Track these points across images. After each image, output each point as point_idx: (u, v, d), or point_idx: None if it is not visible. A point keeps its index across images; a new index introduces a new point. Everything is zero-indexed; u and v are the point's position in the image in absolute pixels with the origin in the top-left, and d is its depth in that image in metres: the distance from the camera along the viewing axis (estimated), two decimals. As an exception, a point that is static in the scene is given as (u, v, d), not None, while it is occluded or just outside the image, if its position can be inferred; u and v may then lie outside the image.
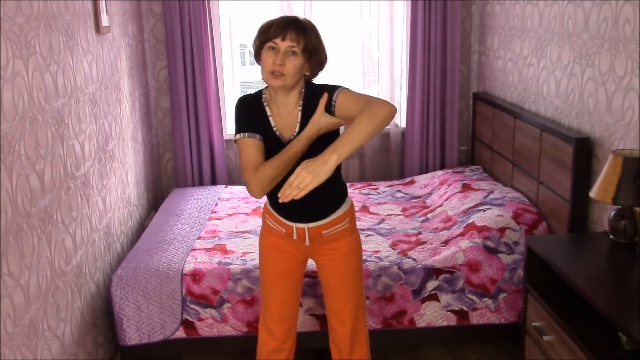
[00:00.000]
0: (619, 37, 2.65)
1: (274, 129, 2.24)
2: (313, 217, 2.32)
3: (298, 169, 1.87)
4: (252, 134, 2.21)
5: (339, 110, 2.16)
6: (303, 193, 1.87)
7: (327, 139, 2.15)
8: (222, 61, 4.45)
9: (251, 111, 2.26)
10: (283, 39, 2.13)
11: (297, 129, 2.23)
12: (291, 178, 1.87)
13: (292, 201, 2.10)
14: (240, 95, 2.35)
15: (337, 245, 2.39)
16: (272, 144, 2.24)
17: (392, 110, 1.99)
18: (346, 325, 2.47)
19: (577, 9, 3.02)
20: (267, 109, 2.25)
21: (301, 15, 2.26)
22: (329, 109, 2.17)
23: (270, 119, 2.24)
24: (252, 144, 2.21)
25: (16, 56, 2.14)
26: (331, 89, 2.20)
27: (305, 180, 1.85)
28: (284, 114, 2.25)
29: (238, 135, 2.22)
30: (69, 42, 2.72)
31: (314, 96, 2.21)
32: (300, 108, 2.23)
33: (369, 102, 2.04)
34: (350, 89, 2.22)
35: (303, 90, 2.24)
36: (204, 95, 4.35)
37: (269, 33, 2.16)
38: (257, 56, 2.24)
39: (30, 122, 2.24)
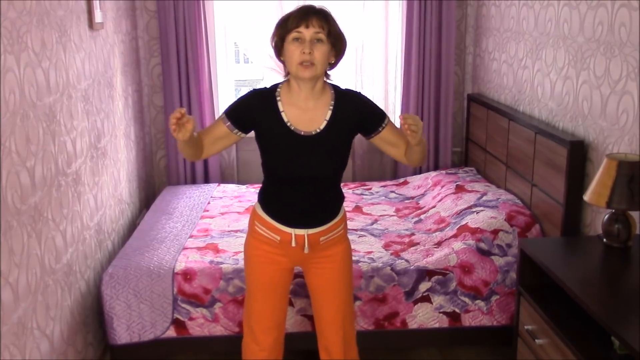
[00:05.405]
0: (615, 41, 2.65)
1: (288, 123, 2.19)
2: (314, 222, 2.29)
3: (417, 117, 2.09)
4: (227, 121, 2.22)
5: (382, 136, 2.30)
6: (416, 131, 2.08)
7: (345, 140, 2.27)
8: (216, 59, 4.42)
9: (259, 105, 2.22)
10: (307, 27, 2.09)
11: (322, 126, 2.21)
12: (415, 119, 2.07)
13: (295, 206, 2.26)
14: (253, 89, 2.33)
15: (332, 252, 2.36)
16: (284, 137, 2.20)
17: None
18: (339, 333, 2.44)
19: (573, 12, 3.02)
20: (279, 104, 2.21)
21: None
22: (374, 130, 2.28)
23: (283, 114, 2.20)
24: (218, 126, 2.24)
25: (8, 52, 2.12)
26: (378, 112, 2.29)
27: (420, 125, 2.08)
28: (303, 108, 2.21)
29: (222, 114, 2.25)
30: (62, 38, 2.70)
31: (343, 98, 2.25)
32: (332, 108, 2.22)
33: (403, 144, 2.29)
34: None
35: (332, 91, 2.25)
36: (198, 92, 4.33)
37: (290, 24, 2.11)
38: (279, 52, 2.20)
39: (22, 118, 2.22)
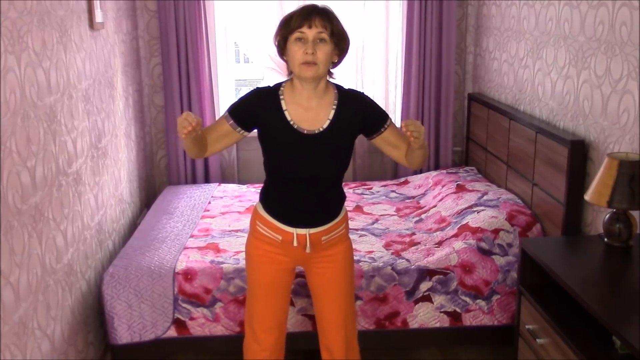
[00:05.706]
0: (616, 40, 2.65)
1: (291, 122, 2.20)
2: (316, 222, 2.29)
3: (418, 123, 2.10)
4: (230, 119, 2.23)
5: (384, 137, 2.30)
6: (418, 137, 2.09)
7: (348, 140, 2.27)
8: (216, 58, 4.42)
9: (263, 104, 2.22)
10: (310, 27, 2.10)
11: (325, 125, 2.21)
12: (416, 125, 2.08)
13: (297, 206, 2.26)
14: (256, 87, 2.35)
15: (333, 252, 2.36)
16: (287, 136, 2.21)
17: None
18: (340, 332, 2.44)
19: (574, 11, 3.02)
20: (282, 102, 2.21)
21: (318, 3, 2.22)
22: (376, 130, 2.28)
23: (286, 112, 2.20)
24: (221, 124, 2.26)
25: (8, 51, 2.12)
26: (380, 113, 2.29)
27: (422, 131, 2.09)
28: (306, 107, 2.21)
29: (226, 112, 2.26)
30: (62, 38, 2.69)
31: (347, 98, 2.25)
32: (335, 107, 2.22)
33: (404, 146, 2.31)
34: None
35: (335, 91, 2.25)
36: (198, 92, 4.33)
37: (293, 23, 2.12)
38: (281, 51, 2.22)
39: (22, 118, 2.22)
